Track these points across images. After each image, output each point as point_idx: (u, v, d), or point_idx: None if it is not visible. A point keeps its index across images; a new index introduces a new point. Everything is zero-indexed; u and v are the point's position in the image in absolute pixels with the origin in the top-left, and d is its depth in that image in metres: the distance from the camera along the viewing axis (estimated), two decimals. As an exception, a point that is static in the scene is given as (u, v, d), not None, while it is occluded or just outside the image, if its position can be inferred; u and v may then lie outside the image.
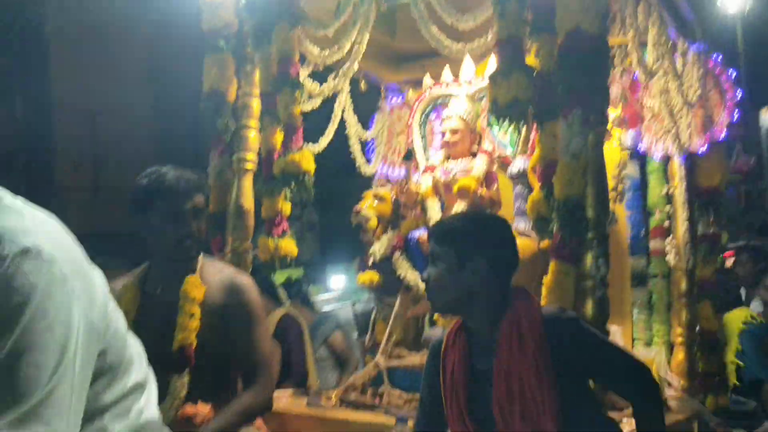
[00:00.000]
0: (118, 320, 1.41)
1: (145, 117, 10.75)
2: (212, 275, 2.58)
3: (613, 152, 3.21)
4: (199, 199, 2.48)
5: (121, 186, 10.01)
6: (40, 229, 1.20)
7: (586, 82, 2.41)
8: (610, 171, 2.66)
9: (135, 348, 1.47)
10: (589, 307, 2.39)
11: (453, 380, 1.98)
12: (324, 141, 3.58)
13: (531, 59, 2.60)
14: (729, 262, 10.65)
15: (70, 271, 1.19)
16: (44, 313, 1.11)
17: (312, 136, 3.53)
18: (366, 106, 4.29)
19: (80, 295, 1.20)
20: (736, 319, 4.36)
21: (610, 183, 2.68)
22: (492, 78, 2.54)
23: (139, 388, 1.43)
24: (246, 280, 2.65)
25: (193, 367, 2.50)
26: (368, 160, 4.13)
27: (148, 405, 1.45)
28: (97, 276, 1.33)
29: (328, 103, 3.68)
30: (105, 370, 1.32)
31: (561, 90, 2.44)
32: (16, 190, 1.26)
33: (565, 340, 1.84)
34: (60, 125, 9.27)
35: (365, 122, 4.12)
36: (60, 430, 1.10)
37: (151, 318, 2.45)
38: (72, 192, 8.95)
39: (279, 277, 5.37)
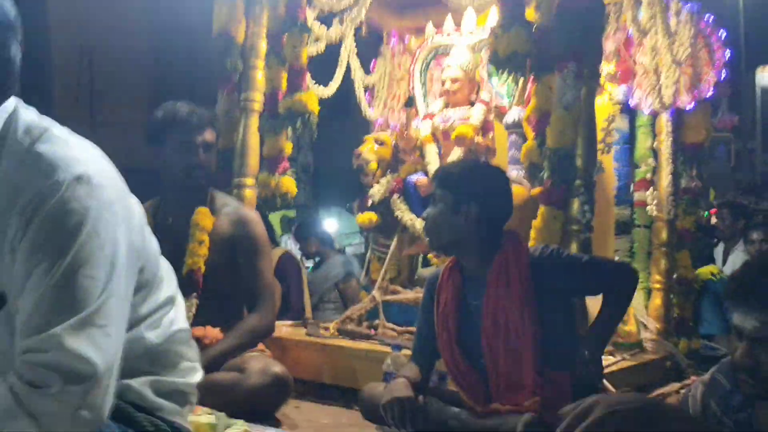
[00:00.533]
0: (152, 242, 1.57)
1: (142, 54, 10.72)
2: (221, 207, 2.78)
3: (603, 106, 3.36)
4: (210, 133, 2.67)
5: (117, 121, 10.00)
6: (89, 157, 1.34)
7: (582, 39, 2.55)
8: (600, 124, 2.81)
9: (166, 267, 1.65)
10: (573, 249, 2.57)
11: (445, 311, 2.19)
12: (333, 85, 3.71)
13: (530, 14, 2.73)
14: (714, 219, 10.83)
15: (115, 196, 1.35)
16: (97, 233, 1.27)
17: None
18: (366, 51, 4.38)
19: (123, 217, 1.36)
20: (704, 273, 4.63)
21: (599, 135, 2.83)
22: (493, 31, 2.67)
23: (170, 302, 1.61)
24: (253, 214, 2.84)
25: (201, 291, 2.71)
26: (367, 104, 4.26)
27: (178, 317, 1.63)
28: (134, 202, 1.49)
29: (329, 47, 3.78)
30: (142, 285, 1.48)
31: (558, 45, 2.58)
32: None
33: (551, 270, 2.05)
34: (58, 59, 9.27)
35: (365, 67, 4.23)
36: (112, 333, 1.27)
37: (163, 246, 2.63)
38: (70, 125, 8.97)
39: (274, 218, 5.55)
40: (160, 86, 11.05)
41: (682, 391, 3.45)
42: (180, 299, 1.68)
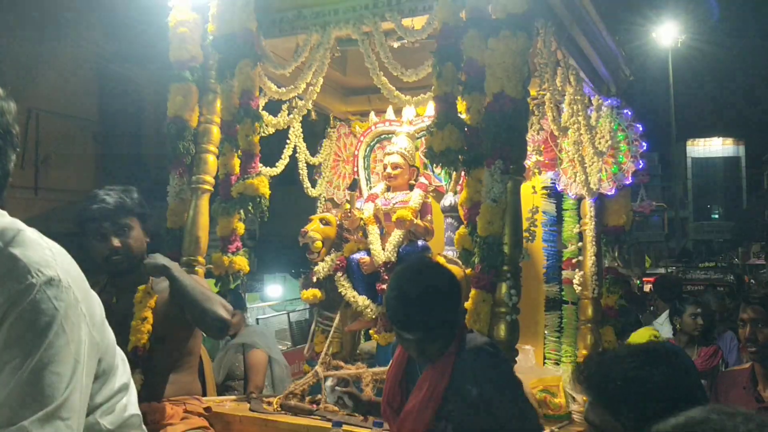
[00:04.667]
0: (109, 333, 1.70)
1: (89, 119, 10.76)
2: (163, 283, 2.91)
3: (526, 194, 3.63)
4: (126, 219, 2.80)
5: (61, 187, 9.87)
6: (59, 260, 1.48)
7: (508, 137, 2.81)
8: (524, 214, 3.06)
9: (120, 355, 1.78)
10: (502, 330, 2.78)
11: (390, 371, 2.37)
12: (281, 165, 3.90)
13: (462, 108, 3.00)
14: (647, 287, 11.24)
15: (80, 296, 1.48)
16: (64, 332, 1.40)
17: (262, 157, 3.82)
18: (314, 131, 4.63)
19: (86, 315, 1.49)
20: (642, 336, 4.91)
21: (524, 225, 3.09)
22: (429, 129, 2.93)
23: (124, 388, 1.73)
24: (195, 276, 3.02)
25: (146, 367, 2.81)
26: (315, 180, 4.49)
27: (130, 403, 1.75)
28: (95, 297, 1.62)
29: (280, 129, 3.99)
30: (99, 375, 1.61)
31: (486, 143, 2.84)
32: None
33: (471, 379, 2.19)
34: (5, 120, 9.21)
35: (312, 146, 4.46)
36: (74, 425, 1.40)
37: (109, 324, 2.73)
38: (14, 190, 8.90)
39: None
40: (107, 150, 11.09)
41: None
42: (132, 385, 1.80)
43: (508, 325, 2.76)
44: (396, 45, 3.36)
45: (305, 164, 4.34)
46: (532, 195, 3.80)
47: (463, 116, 2.96)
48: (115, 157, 11.21)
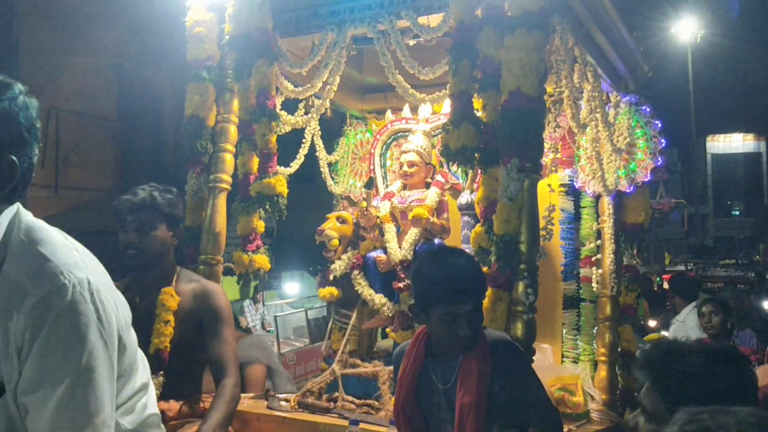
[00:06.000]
0: (132, 333, 1.72)
1: (109, 119, 10.87)
2: (186, 285, 2.94)
3: (543, 192, 3.61)
4: (149, 217, 2.82)
5: (80, 186, 9.94)
6: (87, 262, 1.48)
7: (524, 135, 2.79)
8: (541, 212, 3.04)
9: (140, 353, 1.79)
10: (518, 329, 2.77)
11: (403, 379, 2.34)
12: (296, 165, 3.90)
13: (478, 106, 2.99)
14: (666, 284, 11.18)
15: (109, 296, 1.49)
16: (102, 333, 1.41)
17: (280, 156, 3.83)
18: (330, 129, 4.62)
19: (116, 315, 1.51)
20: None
21: (541, 223, 3.07)
22: (444, 127, 2.92)
23: (144, 387, 1.75)
24: (216, 287, 3.02)
25: (167, 368, 2.83)
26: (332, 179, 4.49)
27: (150, 402, 1.77)
28: (121, 297, 1.63)
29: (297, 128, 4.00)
30: (121, 374, 1.62)
31: (502, 141, 2.83)
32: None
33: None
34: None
35: (329, 145, 4.46)
36: (111, 424, 1.43)
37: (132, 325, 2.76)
38: (34, 189, 9.00)
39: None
40: (126, 149, 11.20)
41: (627, 460, 3.63)
42: (151, 384, 1.82)
43: (524, 324, 2.74)
44: (412, 43, 3.35)
45: (326, 162, 4.34)
46: (549, 193, 3.77)
47: (479, 114, 2.95)
48: (134, 156, 11.33)
